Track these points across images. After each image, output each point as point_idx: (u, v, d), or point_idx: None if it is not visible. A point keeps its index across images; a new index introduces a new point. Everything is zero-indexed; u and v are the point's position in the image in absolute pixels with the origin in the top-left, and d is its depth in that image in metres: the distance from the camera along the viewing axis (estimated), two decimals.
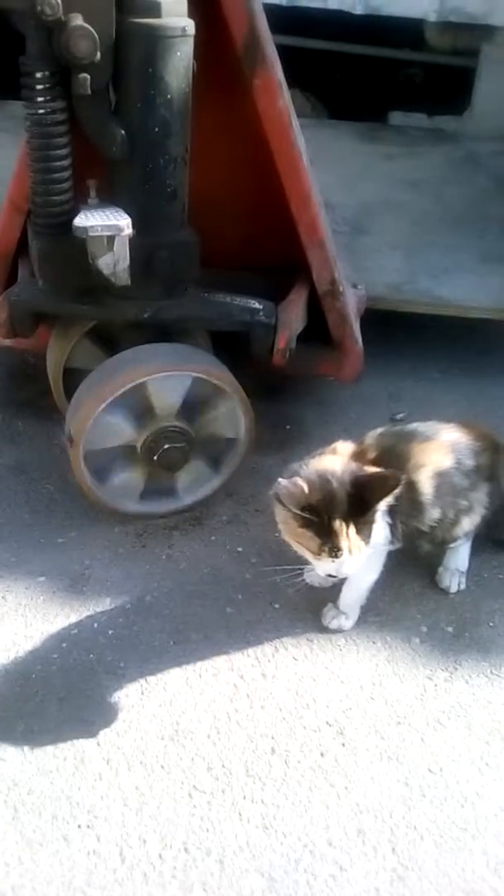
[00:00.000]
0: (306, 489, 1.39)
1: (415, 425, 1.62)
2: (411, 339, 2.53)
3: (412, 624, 1.68)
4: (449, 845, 1.33)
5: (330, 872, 1.29)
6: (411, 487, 1.52)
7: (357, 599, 1.64)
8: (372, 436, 1.59)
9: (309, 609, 1.69)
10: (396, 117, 3.63)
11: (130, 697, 1.51)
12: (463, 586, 1.75)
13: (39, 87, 1.47)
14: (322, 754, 1.44)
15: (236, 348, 1.82)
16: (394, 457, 1.53)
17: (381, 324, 2.13)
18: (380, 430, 1.61)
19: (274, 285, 1.86)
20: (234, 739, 1.46)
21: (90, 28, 1.41)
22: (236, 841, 1.32)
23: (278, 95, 1.65)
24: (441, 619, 1.69)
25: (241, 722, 1.48)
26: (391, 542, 1.56)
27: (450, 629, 1.68)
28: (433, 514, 1.56)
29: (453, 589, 1.74)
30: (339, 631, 1.64)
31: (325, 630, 1.65)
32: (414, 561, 1.78)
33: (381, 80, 3.95)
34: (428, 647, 1.64)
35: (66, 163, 1.56)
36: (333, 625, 1.64)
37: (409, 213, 2.76)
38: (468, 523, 1.64)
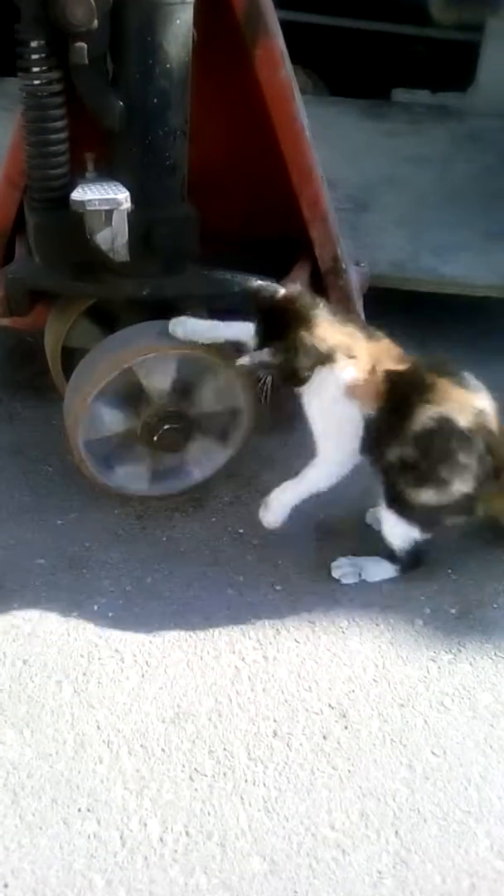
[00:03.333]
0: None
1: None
2: (415, 317, 2.49)
3: (416, 606, 1.66)
4: (452, 828, 1.32)
5: (332, 856, 1.28)
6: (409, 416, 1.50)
7: (290, 498, 1.63)
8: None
9: (311, 591, 1.67)
10: (400, 94, 3.57)
11: (131, 680, 1.50)
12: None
13: (35, 56, 1.44)
14: (325, 737, 1.43)
15: None
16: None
17: (384, 302, 2.10)
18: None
19: (276, 262, 1.82)
20: (236, 722, 1.44)
21: None
22: (238, 824, 1.31)
23: (280, 66, 1.61)
24: (445, 601, 1.68)
25: (243, 704, 1.47)
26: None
27: (453, 611, 1.66)
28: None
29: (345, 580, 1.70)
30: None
31: (327, 612, 1.63)
32: None
33: (384, 57, 3.89)
34: (431, 628, 1.62)
35: (62, 136, 1.53)
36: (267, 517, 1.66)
37: (413, 191, 2.72)
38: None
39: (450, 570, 1.74)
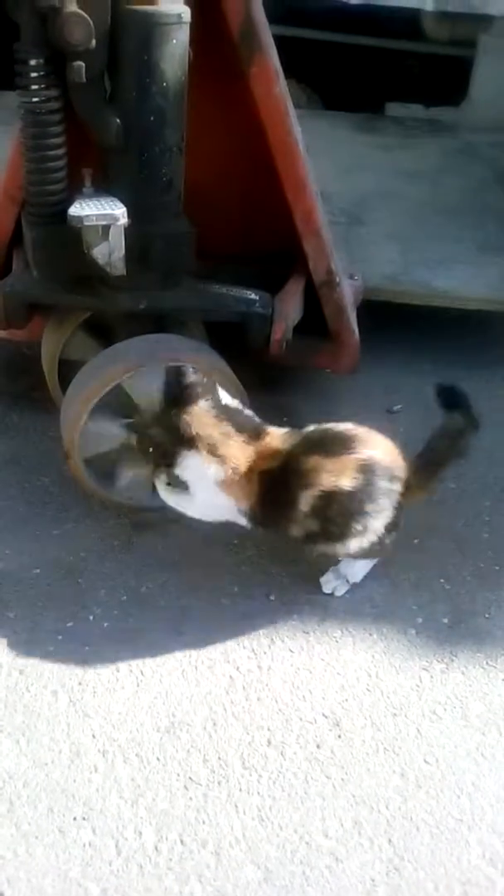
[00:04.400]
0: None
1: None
2: (408, 330, 2.52)
3: (408, 615, 1.68)
4: (445, 836, 1.33)
5: (326, 864, 1.29)
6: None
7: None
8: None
9: (305, 601, 1.69)
10: (393, 108, 3.62)
11: (126, 689, 1.51)
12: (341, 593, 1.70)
13: (34, 74, 1.46)
14: (318, 746, 1.44)
15: (233, 339, 1.81)
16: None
17: (377, 315, 2.13)
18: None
19: (270, 276, 1.85)
20: (231, 731, 1.45)
21: (85, 15, 1.40)
22: (232, 833, 1.32)
23: (275, 83, 1.64)
24: (437, 611, 1.69)
25: (238, 714, 1.48)
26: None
27: (446, 620, 1.68)
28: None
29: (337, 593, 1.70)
30: None
31: (321, 622, 1.65)
32: (409, 552, 1.78)
33: (378, 71, 3.94)
34: (424, 638, 1.64)
35: (60, 151, 1.55)
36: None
37: (406, 204, 2.75)
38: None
39: (442, 580, 1.75)
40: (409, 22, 3.65)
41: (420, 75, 4.05)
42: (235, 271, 1.82)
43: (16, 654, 1.55)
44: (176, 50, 1.49)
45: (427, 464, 1.60)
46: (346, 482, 1.49)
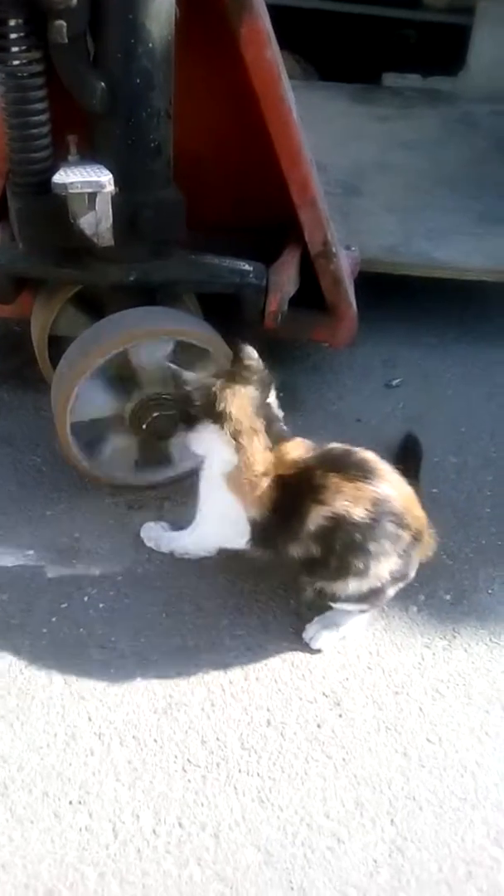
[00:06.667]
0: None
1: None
2: (406, 302, 2.47)
3: (410, 592, 1.64)
4: (448, 816, 1.30)
5: (328, 845, 1.26)
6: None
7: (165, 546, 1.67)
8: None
9: None
10: (390, 78, 3.54)
11: (122, 671, 1.48)
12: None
13: (13, 35, 1.40)
14: (319, 725, 1.42)
15: (227, 312, 1.77)
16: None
17: (375, 287, 2.08)
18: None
19: (265, 247, 1.80)
20: (229, 712, 1.43)
21: None
22: (232, 815, 1.29)
23: (266, 46, 1.58)
24: (439, 587, 1.66)
25: (236, 694, 1.45)
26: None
27: (448, 597, 1.65)
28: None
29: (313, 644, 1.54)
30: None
31: None
32: None
33: (375, 41, 3.86)
34: (426, 615, 1.61)
35: (43, 118, 1.49)
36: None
37: (404, 175, 2.70)
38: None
39: (444, 556, 1.72)
40: None
41: (417, 44, 3.97)
42: (229, 242, 1.77)
43: (10, 635, 1.52)
44: (162, 8, 1.43)
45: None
46: (358, 511, 1.38)
